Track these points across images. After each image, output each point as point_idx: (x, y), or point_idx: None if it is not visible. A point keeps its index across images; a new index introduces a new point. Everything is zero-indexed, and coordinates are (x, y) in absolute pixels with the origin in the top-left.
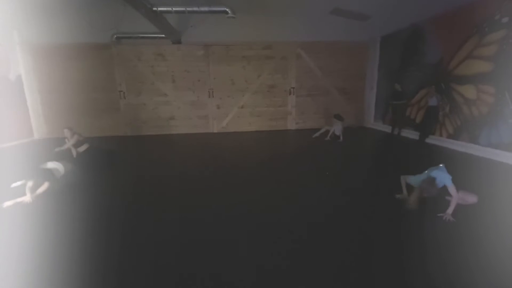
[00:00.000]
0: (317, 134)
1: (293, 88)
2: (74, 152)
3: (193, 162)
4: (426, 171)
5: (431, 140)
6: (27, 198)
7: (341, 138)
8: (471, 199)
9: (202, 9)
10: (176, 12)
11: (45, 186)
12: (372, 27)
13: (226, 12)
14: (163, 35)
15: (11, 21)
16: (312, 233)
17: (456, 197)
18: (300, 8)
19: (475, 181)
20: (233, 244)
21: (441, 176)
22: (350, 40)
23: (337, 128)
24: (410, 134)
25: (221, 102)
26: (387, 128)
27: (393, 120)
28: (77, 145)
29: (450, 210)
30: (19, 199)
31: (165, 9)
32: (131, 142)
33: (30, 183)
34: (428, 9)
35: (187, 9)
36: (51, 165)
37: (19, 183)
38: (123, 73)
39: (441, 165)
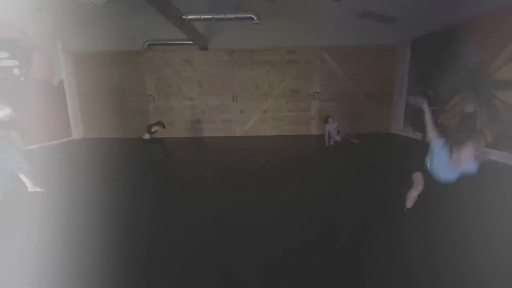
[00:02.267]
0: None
1: (317, 92)
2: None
3: (218, 165)
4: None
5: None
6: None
7: (353, 140)
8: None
9: (229, 16)
10: (204, 19)
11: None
12: (400, 30)
13: (252, 19)
14: (191, 42)
15: (55, 30)
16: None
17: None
18: (327, 11)
19: None
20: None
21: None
22: (377, 44)
23: (332, 131)
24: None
25: (244, 106)
26: (417, 135)
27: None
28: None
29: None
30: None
31: (193, 17)
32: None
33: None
34: (464, 10)
35: (215, 16)
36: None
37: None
38: (152, 78)
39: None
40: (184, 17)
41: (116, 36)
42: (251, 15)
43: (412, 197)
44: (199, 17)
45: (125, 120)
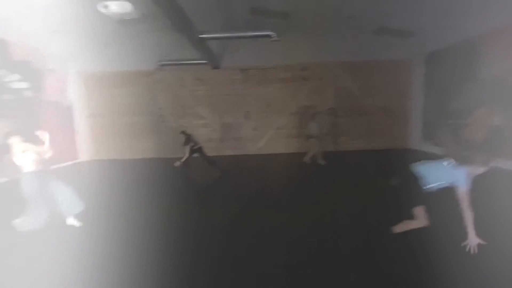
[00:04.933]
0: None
1: (332, 108)
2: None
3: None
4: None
5: (496, 163)
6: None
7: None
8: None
9: (248, 34)
10: (222, 38)
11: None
12: (415, 45)
13: (270, 36)
14: (204, 61)
15: (69, 52)
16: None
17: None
18: (341, 27)
19: None
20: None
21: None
22: (391, 59)
23: (316, 128)
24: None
25: (257, 124)
26: (437, 149)
27: (449, 141)
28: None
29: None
30: None
31: (212, 35)
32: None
33: None
34: (482, 23)
35: (233, 35)
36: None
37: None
38: (164, 98)
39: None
40: (201, 36)
41: (129, 57)
42: (269, 33)
43: (409, 227)
44: (217, 35)
45: (137, 141)
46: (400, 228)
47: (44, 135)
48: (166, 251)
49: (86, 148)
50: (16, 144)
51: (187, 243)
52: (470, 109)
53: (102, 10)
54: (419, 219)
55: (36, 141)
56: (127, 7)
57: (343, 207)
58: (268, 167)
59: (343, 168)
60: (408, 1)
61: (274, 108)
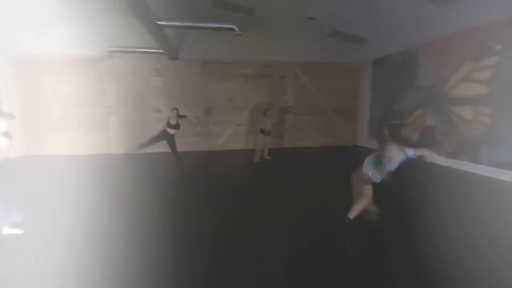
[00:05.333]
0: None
1: (290, 106)
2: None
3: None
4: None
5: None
6: None
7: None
8: (442, 160)
9: (210, 25)
10: (183, 27)
11: None
12: (365, 50)
13: (233, 30)
14: (160, 51)
15: None
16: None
17: (427, 152)
18: (301, 29)
19: (477, 198)
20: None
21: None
22: (344, 62)
23: (269, 124)
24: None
25: (217, 119)
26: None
27: (390, 139)
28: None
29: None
30: None
31: (172, 24)
32: (122, 162)
33: None
34: (422, 35)
35: (195, 24)
36: None
37: None
38: (115, 88)
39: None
40: (159, 22)
41: (74, 40)
42: (232, 26)
43: (357, 209)
44: (177, 24)
45: (80, 135)
46: (352, 213)
47: None
48: (113, 253)
49: (17, 142)
50: None
51: (138, 243)
52: (409, 111)
53: None
54: (365, 195)
55: None
56: None
57: (295, 199)
58: (224, 164)
59: (297, 163)
60: (361, 10)
61: (235, 104)
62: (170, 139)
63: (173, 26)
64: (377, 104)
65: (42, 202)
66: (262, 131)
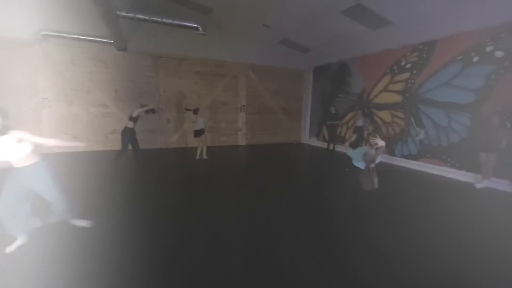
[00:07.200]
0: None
1: (243, 106)
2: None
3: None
4: (361, 148)
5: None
6: None
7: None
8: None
9: (176, 22)
10: (146, 20)
11: None
12: (308, 59)
13: (197, 29)
14: (108, 40)
15: None
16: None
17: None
18: (256, 33)
19: (393, 183)
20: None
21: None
22: (291, 68)
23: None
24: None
25: (171, 116)
26: (321, 144)
27: (329, 137)
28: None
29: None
30: None
31: (131, 15)
32: (57, 160)
33: None
34: (354, 50)
35: (161, 19)
36: None
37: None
38: (49, 78)
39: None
40: (118, 13)
41: None
42: (196, 25)
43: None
44: (141, 16)
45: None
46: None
47: None
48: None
49: None
50: None
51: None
52: (343, 113)
53: None
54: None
55: None
56: None
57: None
58: (174, 162)
59: (251, 160)
60: (308, 24)
61: (189, 101)
62: (131, 133)
63: (135, 19)
64: (318, 107)
65: None
66: (195, 132)
